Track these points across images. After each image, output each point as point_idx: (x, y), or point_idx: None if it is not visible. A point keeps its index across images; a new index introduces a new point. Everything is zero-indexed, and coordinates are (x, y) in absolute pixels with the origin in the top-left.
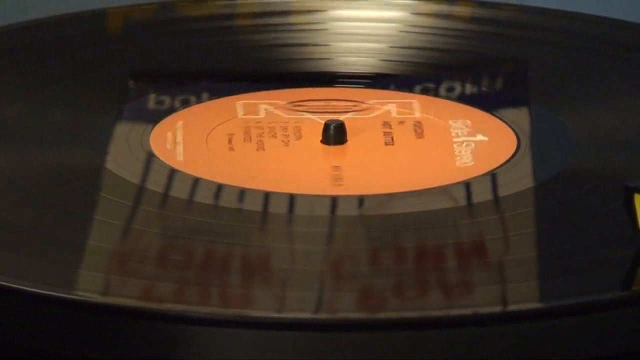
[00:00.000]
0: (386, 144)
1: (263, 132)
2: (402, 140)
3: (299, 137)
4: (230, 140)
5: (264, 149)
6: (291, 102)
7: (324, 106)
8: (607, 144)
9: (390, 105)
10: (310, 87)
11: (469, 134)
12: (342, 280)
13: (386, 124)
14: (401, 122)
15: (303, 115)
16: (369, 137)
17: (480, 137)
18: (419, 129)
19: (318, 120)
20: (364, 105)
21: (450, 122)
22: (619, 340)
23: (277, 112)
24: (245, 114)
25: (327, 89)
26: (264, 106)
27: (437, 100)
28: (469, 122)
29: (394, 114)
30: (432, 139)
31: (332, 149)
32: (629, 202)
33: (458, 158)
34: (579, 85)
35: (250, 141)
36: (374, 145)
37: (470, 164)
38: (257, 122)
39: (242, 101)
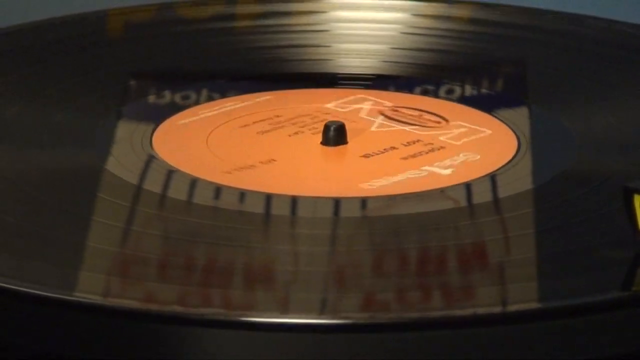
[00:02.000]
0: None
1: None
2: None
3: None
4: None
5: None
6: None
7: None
8: (607, 145)
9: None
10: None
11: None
12: (345, 282)
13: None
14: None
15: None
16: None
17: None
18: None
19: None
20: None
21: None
22: (619, 341)
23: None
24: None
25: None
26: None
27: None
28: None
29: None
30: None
31: (332, 150)
32: (628, 203)
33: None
34: (578, 86)
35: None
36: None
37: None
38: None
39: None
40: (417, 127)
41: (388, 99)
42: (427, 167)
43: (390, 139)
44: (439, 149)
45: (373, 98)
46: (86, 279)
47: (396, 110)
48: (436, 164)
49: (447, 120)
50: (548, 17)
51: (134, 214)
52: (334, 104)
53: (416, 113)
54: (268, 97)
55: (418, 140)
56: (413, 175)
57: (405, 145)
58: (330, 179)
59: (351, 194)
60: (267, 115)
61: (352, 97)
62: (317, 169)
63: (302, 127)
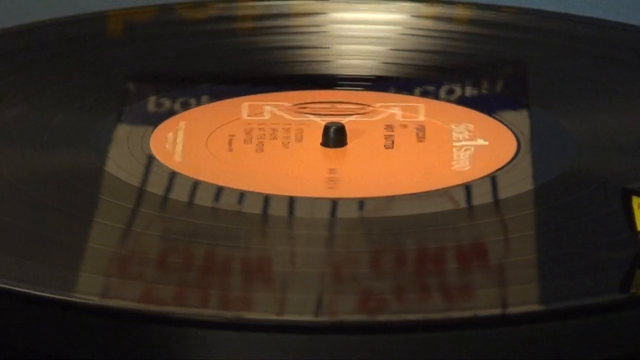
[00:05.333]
0: (386, 147)
1: (264, 134)
2: (402, 143)
3: (300, 140)
4: (230, 142)
5: (263, 151)
6: (296, 104)
7: (328, 108)
8: (607, 146)
9: (395, 109)
10: (311, 90)
11: (470, 138)
12: (342, 282)
13: (388, 127)
14: (403, 125)
15: (307, 117)
16: (369, 139)
17: (480, 141)
18: (420, 132)
19: (320, 122)
20: (368, 109)
21: (451, 125)
22: (618, 342)
23: (280, 113)
24: (249, 115)
25: (328, 91)
26: (269, 107)
27: (438, 102)
28: (470, 125)
29: (398, 118)
30: (432, 142)
31: (332, 151)
32: (627, 204)
33: (456, 162)
34: (578, 87)
35: (251, 143)
36: (374, 148)
37: (468, 168)
38: (259, 124)
39: (247, 102)
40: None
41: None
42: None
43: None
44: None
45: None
46: (85, 279)
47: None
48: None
49: (368, 105)
50: (548, 19)
51: (133, 215)
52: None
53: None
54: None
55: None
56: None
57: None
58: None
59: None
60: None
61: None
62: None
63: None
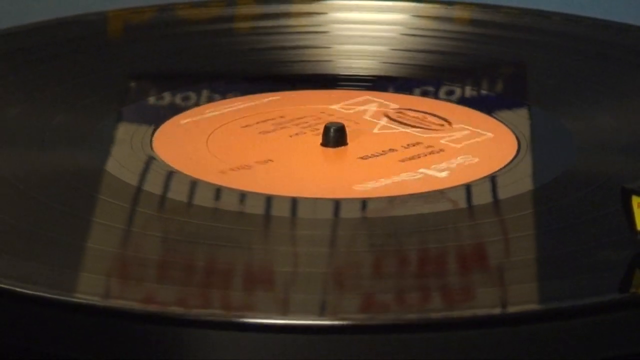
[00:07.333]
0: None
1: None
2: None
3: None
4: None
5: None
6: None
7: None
8: (607, 146)
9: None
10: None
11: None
12: (344, 283)
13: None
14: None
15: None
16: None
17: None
18: (418, 130)
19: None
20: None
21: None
22: (618, 342)
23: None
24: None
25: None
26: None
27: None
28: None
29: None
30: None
31: (333, 151)
32: (626, 204)
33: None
34: (578, 87)
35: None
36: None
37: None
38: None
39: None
40: (419, 129)
41: (393, 101)
42: (423, 170)
43: (391, 141)
44: (438, 152)
45: (379, 100)
46: (86, 280)
47: (401, 113)
48: (433, 166)
49: (450, 123)
50: (548, 19)
51: (134, 215)
52: (339, 106)
53: (420, 115)
54: (270, 99)
55: (418, 143)
56: (408, 178)
57: (405, 148)
58: (325, 180)
59: (346, 195)
60: (269, 116)
61: (358, 99)
62: (314, 170)
63: (305, 128)
